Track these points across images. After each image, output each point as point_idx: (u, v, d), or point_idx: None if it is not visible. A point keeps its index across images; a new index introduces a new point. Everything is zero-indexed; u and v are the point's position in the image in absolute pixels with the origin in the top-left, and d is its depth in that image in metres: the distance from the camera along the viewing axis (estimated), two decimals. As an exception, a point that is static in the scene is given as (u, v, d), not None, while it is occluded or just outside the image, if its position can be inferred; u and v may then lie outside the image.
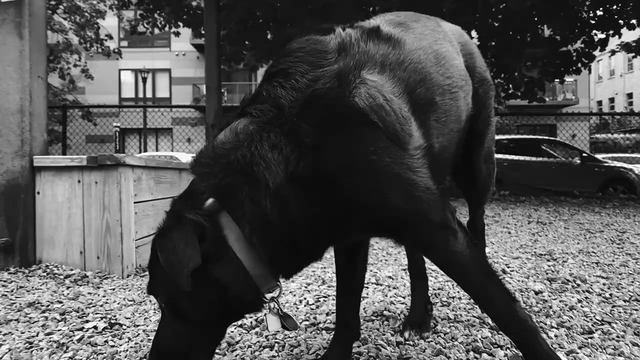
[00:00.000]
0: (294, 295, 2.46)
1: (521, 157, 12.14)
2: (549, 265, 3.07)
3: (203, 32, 9.69)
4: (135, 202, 3.22)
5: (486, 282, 1.25)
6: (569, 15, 9.48)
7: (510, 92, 11.20)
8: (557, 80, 11.39)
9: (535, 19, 9.44)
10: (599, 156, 13.69)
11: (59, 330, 1.93)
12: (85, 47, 12.70)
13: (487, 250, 3.74)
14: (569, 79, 11.81)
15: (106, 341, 1.80)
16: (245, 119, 1.20)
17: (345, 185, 1.15)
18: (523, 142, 12.87)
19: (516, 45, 10.04)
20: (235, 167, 1.14)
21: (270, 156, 1.12)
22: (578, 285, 2.53)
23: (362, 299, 2.33)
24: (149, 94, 26.16)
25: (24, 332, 1.92)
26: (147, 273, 3.16)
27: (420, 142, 1.24)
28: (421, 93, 1.31)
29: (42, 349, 1.72)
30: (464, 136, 1.60)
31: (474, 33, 10.13)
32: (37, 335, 1.87)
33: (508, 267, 3.01)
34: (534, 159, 12.33)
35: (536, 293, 2.38)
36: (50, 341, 1.78)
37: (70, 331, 1.90)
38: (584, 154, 12.42)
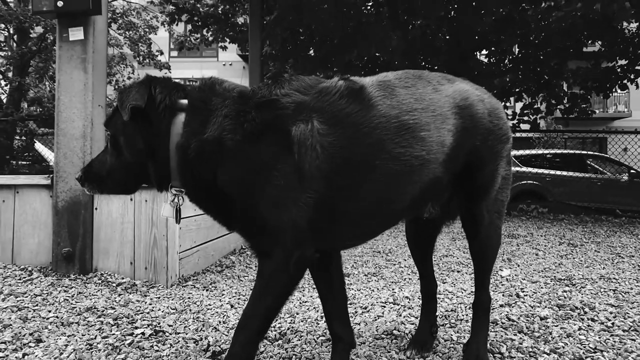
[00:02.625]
0: (317, 310, 2.72)
1: (565, 173, 11.92)
2: (563, 291, 3.19)
3: (248, 48, 10.19)
4: (181, 218, 3.56)
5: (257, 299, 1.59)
6: (611, 33, 9.35)
7: (552, 107, 11.08)
8: (601, 95, 11.17)
9: (578, 35, 9.36)
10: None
11: (113, 334, 2.26)
12: (138, 61, 13.46)
13: (507, 272, 3.89)
14: (620, 91, 11.58)
15: (152, 346, 2.11)
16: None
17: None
18: (567, 156, 12.61)
19: (557, 61, 9.97)
20: (209, 108, 1.62)
21: (221, 120, 1.58)
22: (585, 312, 2.67)
23: (377, 318, 2.57)
24: (196, 103, 27.15)
25: (84, 335, 2.26)
26: (188, 283, 3.51)
27: (316, 188, 1.52)
28: (360, 153, 1.56)
29: (100, 350, 2.05)
30: (441, 191, 1.79)
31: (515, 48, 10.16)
32: (95, 338, 2.21)
33: (522, 292, 3.16)
34: (578, 174, 12.05)
35: (541, 319, 2.54)
36: (106, 344, 2.12)
37: (122, 336, 2.24)
38: (632, 171, 12.07)
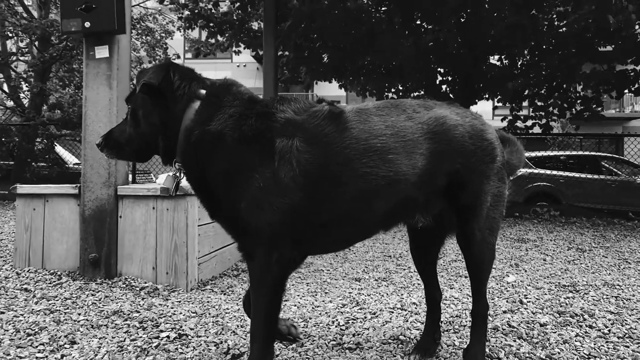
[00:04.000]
0: (329, 316, 2.89)
1: (578, 174, 11.90)
2: (566, 298, 3.32)
3: (261, 52, 10.39)
4: (198, 225, 3.76)
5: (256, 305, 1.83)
6: (623, 39, 9.37)
7: (564, 111, 11.11)
8: (614, 97, 11.17)
9: (589, 39, 9.39)
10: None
11: (140, 337, 2.46)
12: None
13: (513, 278, 4.02)
14: (635, 96, 11.58)
15: (176, 349, 2.30)
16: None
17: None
18: (581, 158, 12.58)
19: (569, 65, 10.01)
20: (221, 104, 1.88)
21: (226, 117, 1.84)
22: (584, 319, 2.80)
23: (385, 323, 2.73)
24: (211, 104, 27.50)
25: (114, 337, 2.46)
26: (207, 287, 3.70)
27: (290, 195, 1.73)
28: (331, 169, 1.77)
29: (130, 352, 2.25)
30: (418, 208, 1.96)
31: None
32: (124, 341, 2.40)
33: (526, 298, 3.29)
34: (592, 176, 12.00)
35: (541, 325, 2.68)
36: (135, 346, 2.31)
37: (149, 338, 2.43)
38: (648, 172, 12.00)
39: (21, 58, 12.23)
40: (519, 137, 10.11)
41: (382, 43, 9.58)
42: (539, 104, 11.38)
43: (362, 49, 9.92)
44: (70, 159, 12.41)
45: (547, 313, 2.94)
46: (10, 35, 11.53)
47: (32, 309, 2.92)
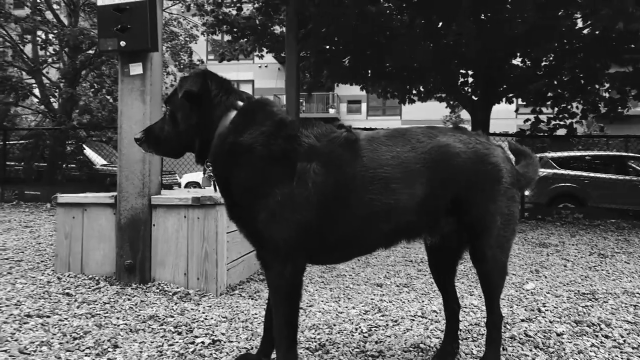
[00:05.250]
0: (352, 323, 3.03)
1: (604, 175, 11.75)
2: (584, 306, 3.40)
3: (283, 54, 10.57)
4: (227, 232, 3.95)
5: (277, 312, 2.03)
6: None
7: (588, 112, 11.00)
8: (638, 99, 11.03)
9: (611, 41, 9.31)
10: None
11: (177, 342, 2.64)
12: (179, 69, 14.07)
13: (532, 285, 4.10)
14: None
15: (211, 354, 2.47)
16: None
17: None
18: (607, 158, 12.42)
19: (592, 66, 9.94)
20: (254, 119, 2.08)
21: (258, 133, 2.03)
22: (600, 329, 2.88)
23: (406, 331, 2.86)
24: (233, 105, 27.89)
25: (152, 342, 2.64)
26: (235, 292, 3.88)
27: (304, 213, 1.93)
28: (342, 193, 1.97)
29: (169, 357, 2.43)
30: (419, 230, 2.14)
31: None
32: (162, 345, 2.59)
33: (544, 307, 3.38)
34: (618, 177, 11.83)
35: (558, 335, 2.78)
36: (173, 351, 2.49)
37: (185, 344, 2.61)
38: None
39: (54, 65, 12.66)
40: (543, 135, 10.02)
41: (402, 46, 9.66)
42: (562, 105, 11.30)
43: (381, 52, 10.02)
44: (97, 160, 12.80)
45: (564, 322, 3.03)
46: (42, 45, 11.96)
47: (75, 313, 3.14)
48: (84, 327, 2.87)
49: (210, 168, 2.16)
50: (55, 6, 12.63)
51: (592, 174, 11.58)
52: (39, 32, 12.25)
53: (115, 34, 3.73)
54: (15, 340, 2.59)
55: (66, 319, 3.03)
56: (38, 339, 2.60)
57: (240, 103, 2.13)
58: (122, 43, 3.73)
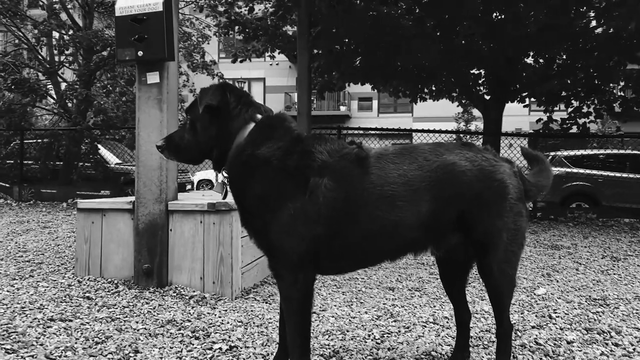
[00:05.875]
0: (365, 329, 3.10)
1: (618, 174, 11.64)
2: (594, 313, 3.43)
3: (295, 54, 10.62)
4: (241, 237, 4.03)
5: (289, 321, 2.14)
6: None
7: (602, 112, 10.92)
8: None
9: (627, 39, 9.23)
10: None
11: (195, 348, 2.73)
12: (191, 69, 14.19)
13: (543, 290, 4.13)
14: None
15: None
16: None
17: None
18: (622, 156, 12.31)
19: (606, 66, 9.87)
20: (272, 134, 2.16)
21: (275, 148, 2.12)
22: (611, 337, 2.92)
23: (418, 338, 2.92)
24: (244, 103, 28.04)
25: (172, 348, 2.73)
26: (250, 295, 3.96)
27: (314, 226, 2.01)
28: (351, 208, 2.04)
29: (188, 362, 2.52)
30: (424, 244, 2.21)
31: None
32: (181, 351, 2.68)
33: (555, 313, 3.42)
34: (634, 175, 11.69)
35: (568, 343, 2.82)
36: (192, 357, 2.58)
37: (204, 350, 2.69)
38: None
39: (70, 67, 12.86)
40: (558, 131, 9.92)
41: (413, 47, 9.67)
42: (575, 103, 11.23)
43: (392, 53, 10.03)
44: (111, 159, 12.99)
45: (575, 329, 3.07)
46: (58, 47, 12.14)
47: (96, 317, 3.24)
48: (105, 331, 2.96)
49: (226, 176, 2.24)
50: (68, 5, 12.79)
51: (606, 173, 11.50)
52: (55, 34, 12.43)
53: (132, 44, 3.82)
54: (41, 345, 2.69)
55: (88, 322, 3.13)
56: (62, 344, 2.70)
57: (259, 116, 2.21)
58: (140, 53, 3.81)
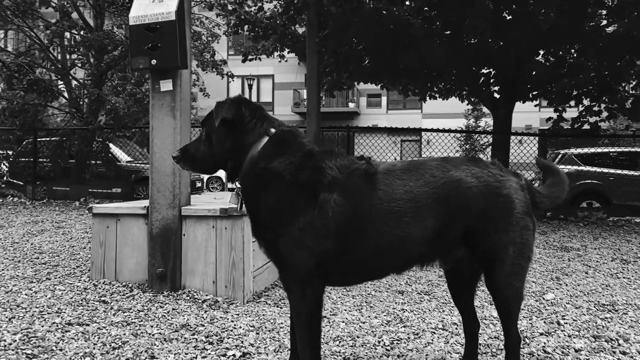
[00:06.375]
0: (374, 335, 3.15)
1: (630, 172, 11.56)
2: (603, 319, 3.46)
3: (304, 53, 10.67)
4: (253, 242, 4.09)
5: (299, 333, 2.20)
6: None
7: (614, 111, 10.85)
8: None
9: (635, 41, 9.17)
10: None
11: (209, 353, 2.80)
12: (201, 68, 14.29)
13: (552, 296, 4.16)
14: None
15: (242, 367, 2.63)
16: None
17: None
18: (634, 154, 12.21)
19: (617, 65, 9.80)
20: (285, 148, 2.23)
21: (288, 162, 2.18)
22: (618, 344, 2.95)
23: (427, 345, 2.97)
24: (253, 99, 28.15)
25: (187, 354, 2.81)
26: (261, 299, 4.03)
27: (322, 240, 2.07)
28: (359, 224, 2.10)
29: (202, 369, 2.59)
30: (430, 258, 2.26)
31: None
32: (196, 357, 2.75)
33: (563, 319, 3.45)
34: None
35: (576, 351, 2.85)
36: (206, 363, 2.65)
37: (218, 356, 2.76)
38: None
39: (83, 67, 13.00)
40: (568, 129, 9.86)
41: (421, 47, 9.67)
42: (585, 102, 11.17)
43: (400, 52, 10.03)
44: (122, 157, 13.14)
45: (583, 336, 3.10)
46: (70, 48, 12.28)
47: (112, 321, 3.32)
48: (121, 336, 3.04)
49: (240, 187, 2.30)
50: (79, 3, 12.91)
51: (617, 171, 11.44)
52: (67, 34, 12.57)
53: (146, 52, 3.88)
54: (60, 350, 2.78)
55: (104, 327, 3.22)
56: (81, 350, 2.79)
57: (273, 130, 2.27)
58: (153, 61, 3.88)
